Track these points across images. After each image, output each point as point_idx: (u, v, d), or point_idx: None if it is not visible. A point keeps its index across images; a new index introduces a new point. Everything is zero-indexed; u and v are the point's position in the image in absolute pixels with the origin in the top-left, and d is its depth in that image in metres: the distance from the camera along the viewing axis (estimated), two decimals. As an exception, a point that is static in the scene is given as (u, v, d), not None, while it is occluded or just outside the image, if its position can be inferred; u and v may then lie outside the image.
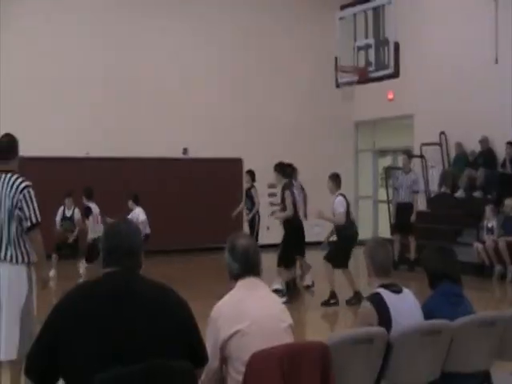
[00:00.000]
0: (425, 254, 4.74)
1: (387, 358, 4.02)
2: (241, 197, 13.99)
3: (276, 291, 10.46)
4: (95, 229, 12.17)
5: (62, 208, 12.96)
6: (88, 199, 12.60)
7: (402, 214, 14.27)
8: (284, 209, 10.94)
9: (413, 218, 14.18)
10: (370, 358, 3.93)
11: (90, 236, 12.37)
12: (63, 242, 12.72)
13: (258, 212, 13.06)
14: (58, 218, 12.89)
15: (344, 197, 10.63)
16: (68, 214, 12.88)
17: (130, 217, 11.90)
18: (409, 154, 15.59)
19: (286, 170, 11.19)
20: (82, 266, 12.29)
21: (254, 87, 18.44)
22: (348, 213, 10.61)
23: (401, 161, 16.42)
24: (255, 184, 13.18)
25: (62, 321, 2.92)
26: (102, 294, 3.01)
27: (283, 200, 10.93)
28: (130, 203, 12.79)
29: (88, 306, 2.94)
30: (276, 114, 18.60)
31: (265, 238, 13.48)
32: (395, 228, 14.56)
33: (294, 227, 10.94)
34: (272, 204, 15.50)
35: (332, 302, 10.42)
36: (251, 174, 13.44)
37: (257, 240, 12.40)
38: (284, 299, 10.08)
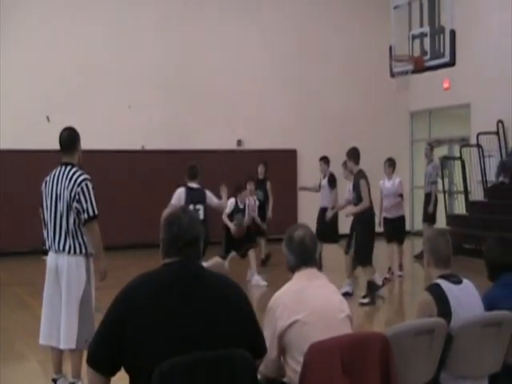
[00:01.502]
0: (485, 246, 4.68)
1: (447, 350, 3.98)
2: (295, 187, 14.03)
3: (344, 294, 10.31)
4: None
5: (232, 200, 11.94)
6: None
7: (425, 204, 14.14)
8: (359, 200, 9.85)
9: (430, 209, 13.95)
10: (430, 350, 3.88)
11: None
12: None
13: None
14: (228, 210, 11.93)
15: None
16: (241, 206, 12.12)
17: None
18: (431, 145, 15.34)
19: (359, 157, 10.11)
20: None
21: (308, 77, 18.37)
22: None
23: (457, 150, 16.19)
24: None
25: (128, 311, 2.95)
26: (169, 283, 3.03)
27: (358, 190, 9.86)
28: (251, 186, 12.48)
29: (153, 294, 2.97)
30: (330, 104, 18.51)
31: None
32: (424, 218, 14.34)
33: (368, 220, 9.98)
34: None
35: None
36: (266, 165, 13.63)
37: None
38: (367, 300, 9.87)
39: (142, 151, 16.74)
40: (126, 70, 16.53)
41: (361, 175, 9.88)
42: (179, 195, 9.68)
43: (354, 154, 10.04)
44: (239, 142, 17.87)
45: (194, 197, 9.63)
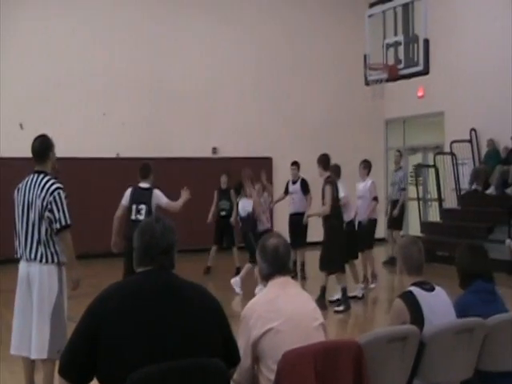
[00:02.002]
0: (456, 253, 4.71)
1: (420, 357, 4.01)
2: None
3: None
4: None
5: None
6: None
7: (392, 211, 14.22)
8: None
9: (395, 212, 14.05)
10: (402, 357, 3.91)
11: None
12: None
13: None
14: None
15: None
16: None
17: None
18: (400, 151, 15.54)
19: (328, 163, 10.29)
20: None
21: (284, 85, 18.44)
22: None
23: (431, 158, 16.32)
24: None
25: (100, 320, 2.93)
26: (141, 291, 3.02)
27: (323, 195, 10.04)
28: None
29: (127, 303, 2.96)
30: (305, 112, 18.61)
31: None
32: (388, 225, 14.46)
33: (332, 226, 10.09)
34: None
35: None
36: (229, 175, 13.68)
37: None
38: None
39: (117, 159, 16.67)
40: (100, 77, 16.46)
41: (327, 181, 10.04)
42: (126, 195, 9.45)
43: (322, 160, 10.23)
44: (214, 150, 17.87)
45: (138, 197, 9.33)
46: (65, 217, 5.60)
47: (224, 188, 13.73)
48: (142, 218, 8.90)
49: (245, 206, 11.71)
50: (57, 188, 5.62)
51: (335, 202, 10.00)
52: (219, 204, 13.61)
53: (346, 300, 10.03)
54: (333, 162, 10.60)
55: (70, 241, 5.66)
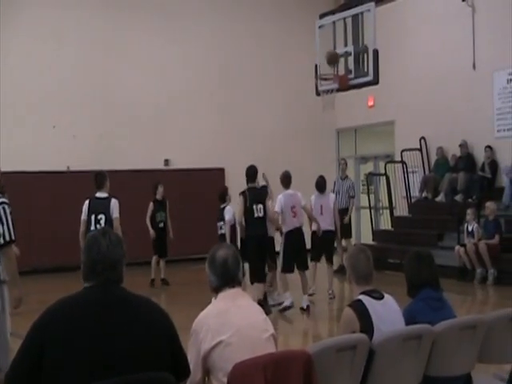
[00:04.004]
0: (404, 262, 4.77)
1: (370, 365, 4.04)
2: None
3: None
4: None
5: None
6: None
7: (341, 219, 14.31)
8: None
9: (346, 219, 14.24)
10: (352, 365, 3.94)
11: None
12: None
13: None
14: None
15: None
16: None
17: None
18: (345, 160, 15.85)
19: (248, 174, 10.66)
20: None
21: (234, 95, 18.50)
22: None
23: (382, 167, 16.50)
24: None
25: (45, 336, 2.90)
26: (88, 307, 3.00)
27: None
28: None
29: (72, 319, 2.94)
30: (257, 122, 18.68)
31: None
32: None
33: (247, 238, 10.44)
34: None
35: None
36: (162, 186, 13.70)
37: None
38: None
39: (67, 172, 16.46)
40: (49, 89, 16.26)
41: (241, 192, 10.49)
42: (85, 209, 9.33)
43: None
44: (167, 162, 17.79)
45: (96, 207, 9.23)
46: (9, 232, 5.50)
47: (160, 199, 13.60)
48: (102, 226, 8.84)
49: (231, 212, 11.29)
50: (1, 203, 5.53)
51: (247, 214, 10.25)
52: (156, 216, 13.46)
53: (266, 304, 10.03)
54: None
55: (14, 257, 5.56)
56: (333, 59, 12.72)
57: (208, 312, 3.75)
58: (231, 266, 3.84)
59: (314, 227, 11.74)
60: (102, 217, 9.17)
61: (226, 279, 3.82)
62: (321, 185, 12.03)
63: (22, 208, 13.94)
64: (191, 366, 3.42)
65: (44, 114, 16.25)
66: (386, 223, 17.47)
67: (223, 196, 11.49)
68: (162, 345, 3.08)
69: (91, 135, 16.70)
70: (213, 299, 3.90)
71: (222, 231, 11.17)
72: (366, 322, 4.16)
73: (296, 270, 10.78)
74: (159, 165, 17.59)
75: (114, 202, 9.28)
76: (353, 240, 15.33)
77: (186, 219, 16.91)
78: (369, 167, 19.67)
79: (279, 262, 10.83)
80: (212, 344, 3.58)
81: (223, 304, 3.76)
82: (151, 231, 13.37)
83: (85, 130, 16.65)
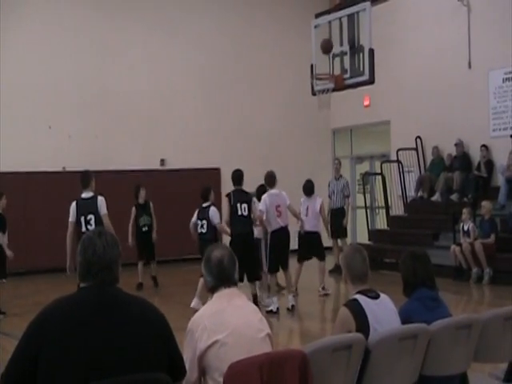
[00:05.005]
0: (399, 262, 4.77)
1: (365, 364, 4.03)
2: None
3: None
4: None
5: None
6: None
7: (335, 219, 14.35)
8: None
9: (345, 222, 14.35)
10: (348, 365, 3.93)
11: None
12: None
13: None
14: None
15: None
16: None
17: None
18: (339, 160, 15.87)
19: (232, 177, 10.71)
20: None
21: (231, 95, 18.50)
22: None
23: (378, 166, 16.51)
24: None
25: (41, 337, 2.90)
26: (84, 308, 3.00)
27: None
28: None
29: (67, 319, 2.93)
30: (252, 122, 18.69)
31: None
32: (332, 234, 14.10)
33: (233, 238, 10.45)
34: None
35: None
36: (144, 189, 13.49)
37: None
38: None
39: (63, 172, 16.44)
40: (45, 89, 16.25)
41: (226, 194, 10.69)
42: (71, 211, 9.20)
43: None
44: (162, 162, 17.79)
45: (84, 207, 9.13)
46: None
47: (142, 202, 13.36)
48: (92, 228, 8.68)
49: (216, 214, 11.11)
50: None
51: (231, 213, 10.36)
52: (139, 220, 13.24)
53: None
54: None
55: None
56: (327, 47, 12.74)
57: (204, 312, 3.75)
58: (227, 266, 3.84)
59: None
60: (91, 217, 9.08)
61: (222, 279, 3.82)
62: (308, 188, 12.18)
63: (17, 208, 13.98)
64: (187, 366, 3.42)
65: (40, 114, 16.22)
66: (381, 223, 17.49)
67: (206, 195, 11.31)
68: (158, 345, 3.07)
69: (87, 135, 16.69)
70: (209, 299, 3.90)
71: (203, 230, 10.96)
72: (361, 322, 4.16)
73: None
74: (155, 165, 17.59)
75: (101, 200, 9.20)
76: (348, 240, 15.34)
77: (182, 219, 16.83)
78: (365, 167, 19.70)
79: (266, 262, 10.87)
80: (208, 343, 3.58)
81: (219, 304, 3.76)
82: (130, 238, 13.01)
83: (80, 131, 16.64)
